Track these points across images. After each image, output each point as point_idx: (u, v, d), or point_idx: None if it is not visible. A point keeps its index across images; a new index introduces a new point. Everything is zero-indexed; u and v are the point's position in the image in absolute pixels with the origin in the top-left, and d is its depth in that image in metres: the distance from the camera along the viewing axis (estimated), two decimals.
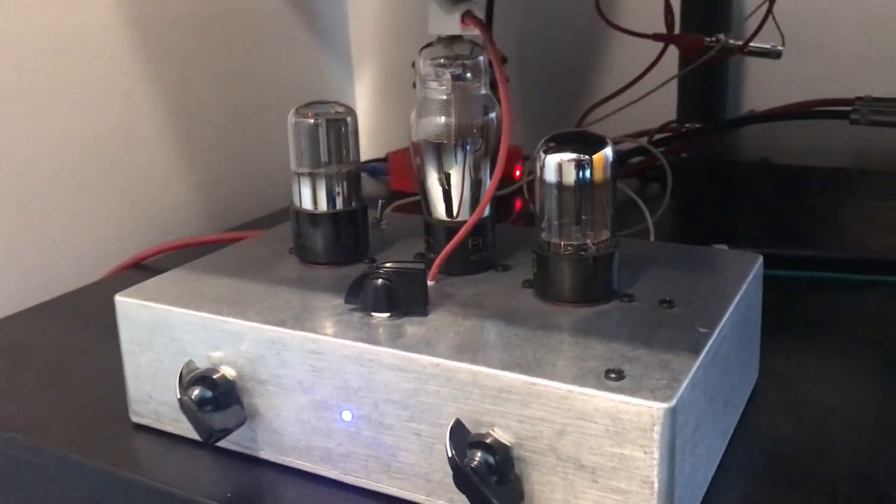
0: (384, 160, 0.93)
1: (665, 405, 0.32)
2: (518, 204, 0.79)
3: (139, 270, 0.70)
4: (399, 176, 0.89)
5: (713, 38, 0.82)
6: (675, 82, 0.86)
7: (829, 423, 0.44)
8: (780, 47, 0.81)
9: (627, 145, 0.77)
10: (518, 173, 0.85)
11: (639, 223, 0.65)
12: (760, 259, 0.46)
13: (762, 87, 0.90)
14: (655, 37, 0.81)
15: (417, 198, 0.47)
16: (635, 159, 0.81)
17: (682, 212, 0.69)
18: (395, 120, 1.08)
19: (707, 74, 0.84)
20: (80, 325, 0.59)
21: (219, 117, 0.86)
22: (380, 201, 0.54)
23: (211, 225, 0.84)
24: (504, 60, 0.86)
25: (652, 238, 0.62)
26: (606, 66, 0.99)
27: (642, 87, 0.80)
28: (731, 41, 0.81)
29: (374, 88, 1.09)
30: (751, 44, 0.80)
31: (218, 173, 0.86)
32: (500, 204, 0.78)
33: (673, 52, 0.84)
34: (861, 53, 0.87)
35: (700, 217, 0.67)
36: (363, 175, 0.94)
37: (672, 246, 0.49)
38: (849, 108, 0.69)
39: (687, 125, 0.84)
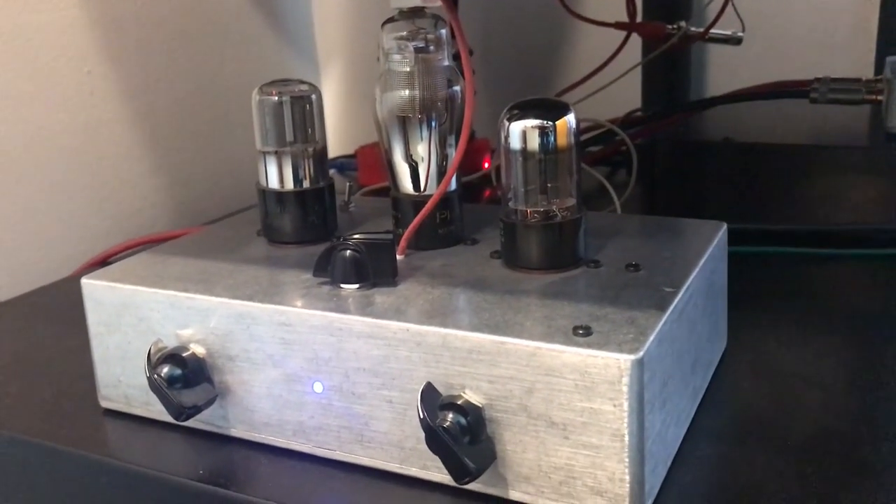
0: (352, 156, 0.93)
1: (632, 356, 0.32)
2: (486, 193, 0.79)
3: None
4: (368, 171, 0.89)
5: (674, 26, 0.83)
6: (638, 70, 0.87)
7: (797, 386, 0.44)
8: (740, 34, 0.82)
9: (594, 132, 0.78)
10: (486, 165, 0.85)
11: (607, 206, 0.65)
12: (724, 226, 0.46)
13: (724, 74, 0.92)
14: (618, 25, 0.82)
15: (386, 185, 0.47)
16: (596, 148, 0.81)
17: (649, 193, 0.69)
18: (363, 117, 1.08)
19: (670, 62, 0.85)
20: (47, 319, 0.59)
21: (184, 116, 0.85)
22: (347, 184, 0.54)
23: (180, 223, 0.84)
24: (470, 52, 0.86)
25: None
26: (570, 55, 0.99)
27: (607, 75, 0.81)
28: (693, 28, 0.83)
29: (341, 86, 1.09)
30: (711, 31, 0.81)
31: (185, 172, 0.85)
32: (468, 193, 0.79)
33: (636, 41, 0.85)
34: (818, 38, 0.89)
35: (666, 197, 0.68)
36: (331, 172, 0.94)
37: (638, 217, 0.49)
38: (808, 89, 0.70)
39: (650, 112, 0.85)
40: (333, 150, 1.08)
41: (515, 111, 0.40)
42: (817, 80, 0.71)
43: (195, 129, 0.86)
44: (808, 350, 0.48)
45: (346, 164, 0.94)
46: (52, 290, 0.65)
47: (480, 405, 0.35)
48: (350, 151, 0.96)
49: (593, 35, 0.87)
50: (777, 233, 0.61)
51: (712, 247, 0.43)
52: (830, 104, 0.70)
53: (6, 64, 0.68)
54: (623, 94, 0.86)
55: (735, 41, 0.83)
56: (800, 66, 0.87)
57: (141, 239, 0.72)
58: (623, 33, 0.82)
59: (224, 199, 0.87)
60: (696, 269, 0.40)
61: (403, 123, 0.44)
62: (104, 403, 0.45)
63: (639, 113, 0.88)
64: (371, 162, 0.88)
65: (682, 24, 0.83)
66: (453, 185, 0.45)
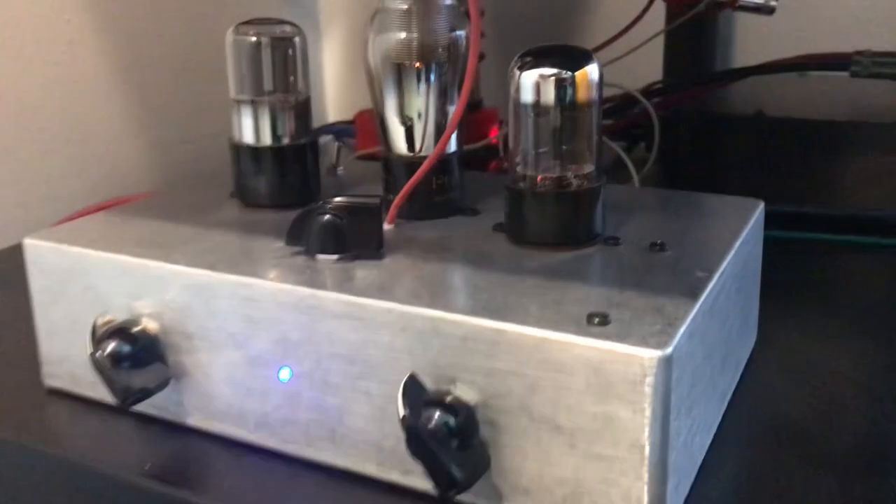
0: (351, 122, 0.88)
1: (659, 352, 0.26)
2: (492, 165, 0.73)
3: None
4: (367, 137, 0.83)
5: None
6: (661, 39, 0.80)
7: (833, 386, 0.39)
8: (773, 2, 0.76)
9: (611, 102, 0.72)
10: (494, 137, 0.79)
11: (623, 183, 0.60)
12: (761, 204, 0.40)
13: (752, 46, 0.85)
14: None
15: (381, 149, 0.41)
16: (613, 120, 0.75)
17: (671, 169, 0.64)
18: (366, 84, 1.02)
19: (695, 31, 0.79)
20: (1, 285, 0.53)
21: (174, 71, 0.79)
22: (336, 145, 0.48)
23: (165, 186, 0.78)
24: (481, 13, 0.80)
25: None
26: (588, 20, 0.93)
27: (626, 43, 0.75)
28: None
29: (343, 52, 1.03)
30: None
31: (175, 130, 0.79)
32: (472, 166, 0.73)
33: (659, 7, 0.79)
34: (856, 11, 0.82)
35: (689, 174, 0.62)
36: (328, 138, 0.88)
37: (663, 192, 0.44)
38: (847, 62, 0.64)
39: (674, 82, 0.79)
40: (334, 116, 1.02)
41: (528, 58, 0.34)
42: (858, 52, 0.65)
43: (186, 85, 0.80)
44: (846, 348, 0.43)
45: (344, 131, 0.88)
46: (7, 254, 0.60)
47: (473, 403, 0.29)
48: (351, 117, 0.90)
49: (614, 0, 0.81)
50: (812, 216, 0.55)
51: (748, 227, 0.38)
52: (872, 79, 0.64)
53: None
54: (643, 65, 0.79)
55: (767, 10, 0.77)
56: (836, 39, 0.81)
57: (117, 200, 0.66)
58: None
59: (212, 161, 0.81)
60: (732, 252, 0.35)
61: (398, 72, 0.38)
62: (48, 382, 0.40)
63: (660, 84, 0.82)
64: (372, 127, 0.82)
65: None
66: (453, 147, 0.39)
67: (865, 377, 0.40)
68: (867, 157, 0.57)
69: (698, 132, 0.62)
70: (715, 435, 0.34)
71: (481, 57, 0.72)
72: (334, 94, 1.03)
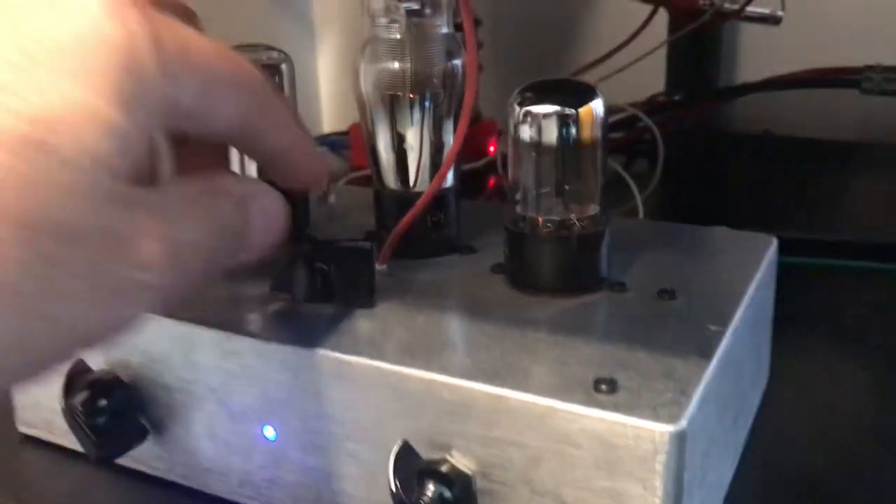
0: (346, 133, 0.85)
1: (672, 428, 0.24)
2: (491, 182, 0.71)
3: None
4: (362, 150, 0.80)
5: (707, 1, 0.74)
6: (663, 51, 0.78)
7: (852, 436, 0.37)
8: (779, 13, 0.74)
9: (612, 117, 0.70)
10: (492, 149, 0.77)
11: (625, 203, 0.58)
12: (774, 241, 0.38)
13: (758, 58, 0.83)
14: None
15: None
16: (614, 135, 0.73)
17: (674, 190, 0.61)
18: None
19: (699, 42, 0.77)
20: None
21: None
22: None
23: None
24: (477, 23, 0.78)
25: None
26: (589, 31, 0.91)
27: (628, 55, 0.72)
28: (727, 5, 0.74)
29: (340, 56, 1.01)
30: (748, 8, 0.73)
31: None
32: (471, 182, 0.71)
33: (662, 18, 0.76)
34: (866, 23, 0.80)
35: (694, 196, 0.60)
36: (322, 150, 0.86)
37: (669, 226, 0.41)
38: (858, 77, 0.62)
39: (677, 97, 0.77)
40: (328, 127, 1.00)
41: (529, 94, 0.32)
42: (868, 67, 0.63)
43: None
44: (862, 386, 0.41)
45: (338, 142, 0.86)
46: None
47: (470, 473, 0.27)
48: (345, 129, 0.88)
49: (616, 9, 0.78)
50: (822, 241, 0.53)
51: (762, 269, 0.36)
52: (883, 95, 0.62)
53: None
54: (644, 76, 0.77)
55: (773, 21, 0.75)
56: (844, 52, 0.79)
57: None
58: (649, 8, 0.74)
59: None
60: (745, 300, 0.33)
61: (391, 103, 0.36)
62: (22, 428, 0.38)
63: (662, 97, 0.80)
64: None
65: None
66: (450, 181, 0.37)
67: (886, 423, 0.38)
68: (879, 179, 0.55)
69: (703, 151, 0.59)
70: (727, 493, 0.32)
71: (479, 69, 0.70)
72: (329, 104, 1.01)
